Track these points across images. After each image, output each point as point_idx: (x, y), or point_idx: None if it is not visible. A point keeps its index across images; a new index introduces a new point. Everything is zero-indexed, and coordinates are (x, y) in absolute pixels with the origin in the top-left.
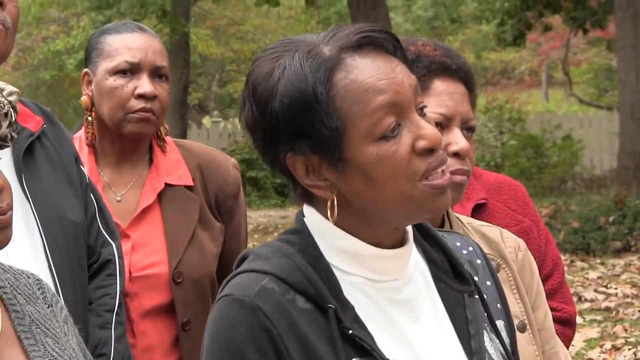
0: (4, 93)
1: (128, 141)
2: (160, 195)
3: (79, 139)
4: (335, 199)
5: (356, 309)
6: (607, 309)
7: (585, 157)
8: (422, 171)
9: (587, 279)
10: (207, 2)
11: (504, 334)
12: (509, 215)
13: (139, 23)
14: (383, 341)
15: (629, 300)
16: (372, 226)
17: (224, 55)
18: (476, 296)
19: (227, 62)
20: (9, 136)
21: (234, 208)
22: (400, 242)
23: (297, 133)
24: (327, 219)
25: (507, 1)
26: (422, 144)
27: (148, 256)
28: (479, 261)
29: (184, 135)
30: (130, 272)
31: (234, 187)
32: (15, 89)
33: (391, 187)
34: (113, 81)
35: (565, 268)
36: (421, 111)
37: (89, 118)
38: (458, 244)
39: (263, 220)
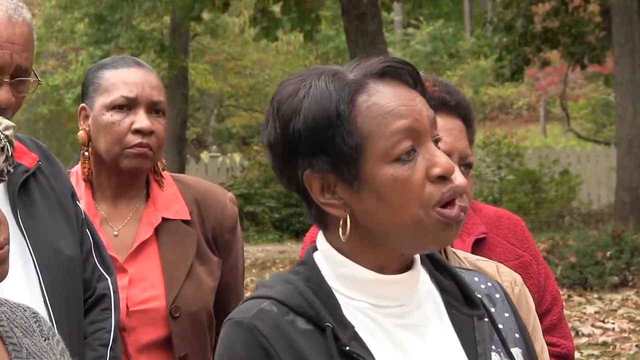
0: (1, 127)
1: (125, 176)
2: (157, 230)
3: (76, 173)
4: (347, 217)
5: (359, 330)
6: (605, 344)
7: (583, 192)
8: (435, 199)
9: (585, 313)
10: (206, 37)
11: None
12: (508, 249)
13: (137, 58)
14: (386, 359)
15: (626, 335)
16: (378, 250)
17: (222, 90)
18: (486, 319)
19: (226, 96)
20: (5, 170)
21: (231, 242)
22: (407, 269)
23: (317, 149)
24: (335, 248)
25: (505, 36)
26: (435, 171)
27: (145, 290)
28: (497, 295)
29: (182, 170)
30: (127, 307)
31: (231, 221)
32: (12, 124)
33: (403, 210)
34: (110, 116)
35: (563, 303)
36: (436, 143)
37: (86, 153)
38: (476, 279)
39: (261, 255)
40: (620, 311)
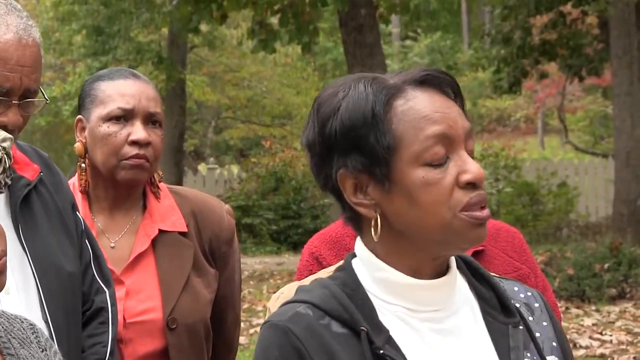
0: None
1: (122, 188)
2: (154, 242)
3: (73, 185)
4: (378, 217)
5: (394, 334)
6: (602, 356)
7: (581, 204)
8: (463, 204)
9: (582, 325)
10: (204, 49)
11: None
12: (506, 262)
13: (133, 70)
14: None
15: (623, 347)
16: (411, 253)
17: (220, 102)
18: (521, 327)
19: (223, 108)
20: (3, 182)
21: (228, 254)
22: (442, 274)
23: (351, 148)
24: (371, 247)
25: (503, 49)
26: (465, 177)
27: (142, 302)
28: (536, 304)
29: (179, 182)
30: (124, 318)
31: (227, 233)
32: (9, 135)
33: (432, 212)
34: (106, 128)
35: (561, 315)
36: (470, 155)
37: (83, 165)
38: (515, 288)
39: (259, 267)
40: (618, 323)
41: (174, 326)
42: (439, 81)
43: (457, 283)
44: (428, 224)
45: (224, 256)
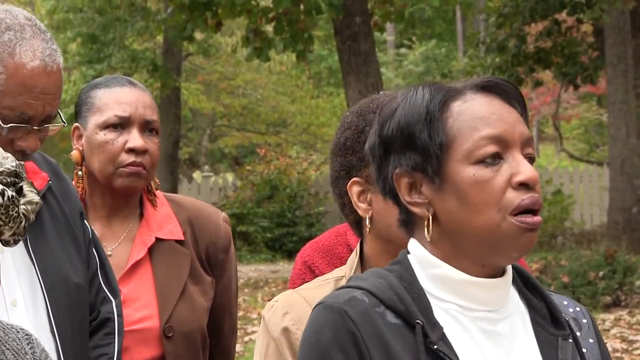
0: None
1: (118, 195)
2: (150, 250)
3: None
4: (430, 217)
5: (446, 332)
6: None
7: (576, 212)
8: (514, 205)
9: None
10: (198, 57)
11: None
12: None
13: (130, 77)
14: None
15: (618, 354)
16: (462, 256)
17: (214, 110)
18: (570, 340)
19: (218, 116)
20: (12, 241)
21: (225, 262)
22: (497, 277)
23: (406, 146)
24: (425, 247)
25: (497, 57)
26: (519, 177)
27: (139, 310)
28: (584, 320)
29: (174, 190)
30: None
31: (224, 241)
32: (36, 199)
33: (482, 212)
34: (103, 135)
35: None
36: (529, 162)
37: (79, 172)
38: (565, 302)
39: (254, 275)
40: (613, 331)
41: (170, 334)
42: (501, 88)
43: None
44: (477, 224)
45: (220, 264)
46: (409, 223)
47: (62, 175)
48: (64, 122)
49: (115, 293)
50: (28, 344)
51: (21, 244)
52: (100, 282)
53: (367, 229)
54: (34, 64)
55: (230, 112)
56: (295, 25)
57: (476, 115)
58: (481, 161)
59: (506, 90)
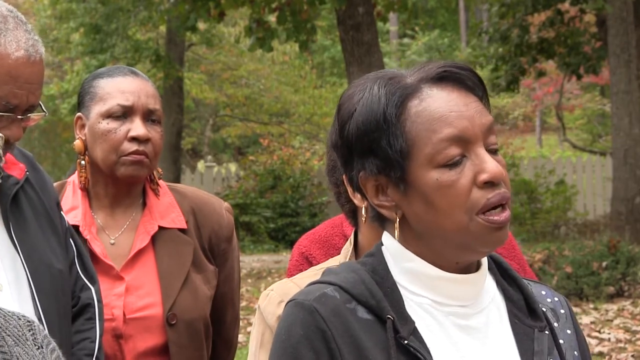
0: None
1: (121, 184)
2: (153, 238)
3: (72, 182)
4: (398, 219)
5: (419, 327)
6: (600, 354)
7: (579, 203)
8: (480, 205)
9: (581, 323)
10: (201, 47)
11: None
12: None
13: (132, 67)
14: (441, 358)
15: (622, 345)
16: (434, 255)
17: (217, 100)
18: (547, 332)
19: (221, 106)
20: None
21: (228, 251)
22: (471, 272)
23: (367, 152)
24: (398, 241)
25: (501, 47)
26: (482, 176)
27: (142, 298)
28: (562, 311)
29: (177, 180)
30: (124, 314)
31: (227, 230)
32: (1, 134)
33: (450, 215)
34: (106, 124)
35: None
36: (493, 152)
37: (82, 162)
38: (543, 292)
39: (256, 265)
40: (616, 321)
41: (173, 322)
42: (458, 76)
43: (485, 282)
44: (445, 227)
45: (223, 253)
46: (380, 218)
47: (37, 167)
48: (44, 111)
49: (94, 280)
50: (29, 331)
51: (4, 231)
52: (78, 271)
53: (363, 219)
54: (19, 54)
55: (233, 102)
56: (298, 16)
57: (433, 116)
58: (444, 165)
59: (463, 76)
